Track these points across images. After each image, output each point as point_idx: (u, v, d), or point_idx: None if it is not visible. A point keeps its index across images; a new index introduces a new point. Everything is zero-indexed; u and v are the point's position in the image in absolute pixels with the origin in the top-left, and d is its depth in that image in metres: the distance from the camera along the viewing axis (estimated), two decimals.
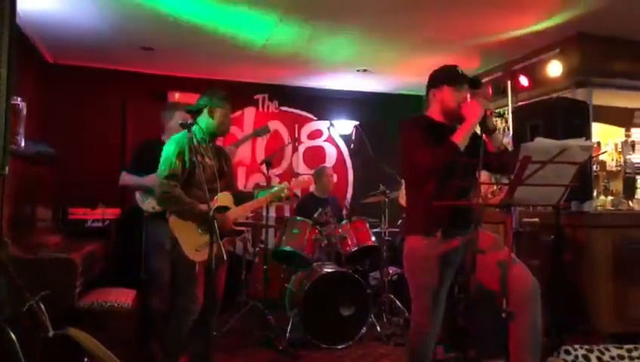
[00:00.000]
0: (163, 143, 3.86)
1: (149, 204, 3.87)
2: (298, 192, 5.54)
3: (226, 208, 3.17)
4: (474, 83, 2.76)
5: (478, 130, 2.70)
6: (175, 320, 3.06)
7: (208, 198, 2.76)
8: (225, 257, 2.71)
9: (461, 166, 2.51)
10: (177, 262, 3.02)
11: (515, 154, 2.16)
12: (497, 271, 2.48)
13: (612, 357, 1.52)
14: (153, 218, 3.82)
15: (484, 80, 5.35)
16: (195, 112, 3.23)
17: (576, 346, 1.50)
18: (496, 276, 2.49)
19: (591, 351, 1.52)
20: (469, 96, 2.73)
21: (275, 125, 6.40)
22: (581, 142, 2.18)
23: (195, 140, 3.06)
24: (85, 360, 2.31)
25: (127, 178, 3.99)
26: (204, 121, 3.18)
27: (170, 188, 2.98)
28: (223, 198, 3.17)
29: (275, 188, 3.41)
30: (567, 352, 1.50)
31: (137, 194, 3.96)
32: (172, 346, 3.07)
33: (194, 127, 3.06)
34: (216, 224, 2.67)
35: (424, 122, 2.74)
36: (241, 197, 3.35)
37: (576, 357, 1.50)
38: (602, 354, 1.53)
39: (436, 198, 2.57)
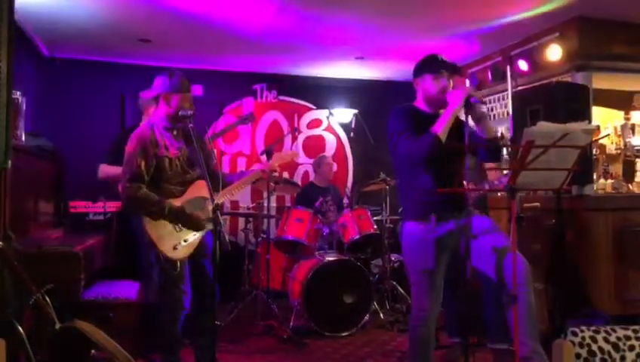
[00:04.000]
0: None
1: None
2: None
3: (201, 199, 3.00)
4: (452, 69, 2.80)
5: (463, 117, 2.72)
6: (164, 317, 3.01)
7: (212, 191, 2.70)
8: (229, 247, 2.68)
9: (446, 152, 2.56)
10: (158, 261, 2.94)
11: (517, 140, 2.17)
12: (493, 257, 2.52)
13: (618, 338, 1.54)
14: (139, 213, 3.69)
15: (483, 65, 5.34)
16: (153, 101, 3.07)
17: (583, 328, 1.52)
18: (492, 261, 2.53)
19: (597, 332, 1.53)
20: (451, 82, 2.76)
21: (274, 115, 6.39)
22: (583, 125, 2.18)
23: (157, 132, 2.94)
24: (92, 352, 2.32)
25: (106, 170, 3.84)
26: (162, 109, 2.97)
27: (133, 191, 2.82)
28: (197, 189, 3.01)
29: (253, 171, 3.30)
30: (574, 334, 1.51)
31: (120, 187, 3.83)
32: (167, 342, 3.06)
33: (154, 118, 2.98)
34: (219, 216, 2.62)
35: (411, 111, 2.79)
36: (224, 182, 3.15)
37: (583, 338, 1.51)
38: (609, 335, 1.54)
39: (425, 184, 2.65)
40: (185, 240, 2.91)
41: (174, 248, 2.88)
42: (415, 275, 2.75)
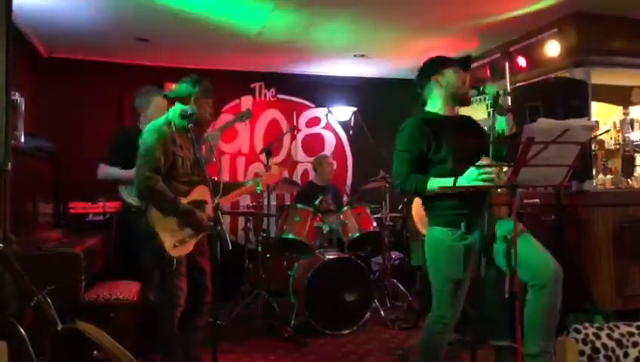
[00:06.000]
0: (142, 131, 3.81)
1: (135, 198, 3.68)
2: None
3: (202, 202, 3.06)
4: (464, 63, 2.78)
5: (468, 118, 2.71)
6: (162, 314, 3.01)
7: (212, 191, 2.73)
8: (230, 246, 2.69)
9: (469, 154, 2.54)
10: (157, 256, 2.96)
11: (518, 137, 2.17)
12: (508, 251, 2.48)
13: (622, 335, 1.54)
14: (140, 212, 3.68)
15: (481, 62, 5.34)
16: (176, 99, 3.06)
17: (586, 324, 1.52)
18: (508, 255, 2.49)
19: (601, 328, 1.53)
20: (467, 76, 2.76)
21: (272, 113, 6.38)
22: (583, 121, 2.18)
23: (175, 130, 2.96)
24: (95, 353, 2.32)
25: (106, 170, 3.80)
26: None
27: (152, 182, 2.84)
28: (201, 192, 3.05)
29: (250, 183, 3.37)
30: (577, 331, 1.51)
31: (122, 188, 3.80)
32: (164, 339, 3.05)
33: (171, 115, 2.99)
34: (221, 216, 2.65)
35: (423, 125, 2.69)
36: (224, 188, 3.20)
37: (587, 335, 1.51)
38: (612, 331, 1.55)
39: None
40: (185, 240, 2.95)
41: (174, 246, 2.91)
42: (441, 283, 2.66)
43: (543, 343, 2.36)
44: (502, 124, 2.50)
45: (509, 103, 2.62)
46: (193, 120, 2.93)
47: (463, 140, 2.63)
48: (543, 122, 2.08)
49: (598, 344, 1.51)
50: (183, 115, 2.89)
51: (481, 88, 2.63)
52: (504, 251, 2.45)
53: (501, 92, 2.51)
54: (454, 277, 2.60)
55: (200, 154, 2.97)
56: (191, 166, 3.05)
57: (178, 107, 3.00)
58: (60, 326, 2.22)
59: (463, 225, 2.57)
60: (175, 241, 2.91)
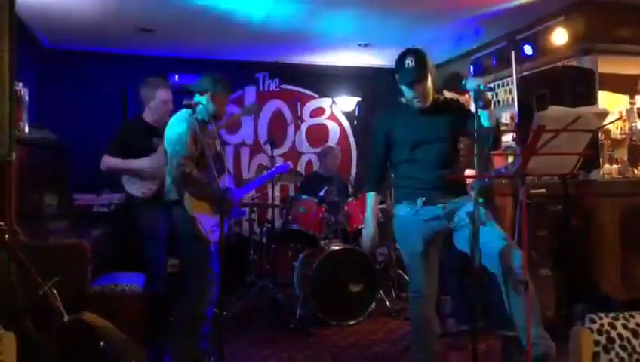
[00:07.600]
0: (146, 123, 3.79)
1: (138, 189, 3.67)
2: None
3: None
4: (411, 83, 2.73)
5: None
6: (193, 305, 3.02)
7: (217, 180, 2.75)
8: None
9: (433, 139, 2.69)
10: (194, 243, 2.96)
11: (524, 126, 2.16)
12: (491, 245, 2.52)
13: (638, 324, 1.52)
14: (143, 203, 3.65)
15: (487, 50, 5.30)
16: (193, 92, 3.13)
17: (601, 314, 1.50)
18: (490, 249, 2.52)
19: (616, 318, 1.52)
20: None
21: (276, 104, 6.35)
22: (595, 108, 2.16)
23: (199, 121, 3.00)
24: (101, 343, 2.32)
25: (109, 162, 3.72)
26: (204, 103, 3.10)
27: (188, 168, 2.90)
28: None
29: None
30: (592, 321, 1.50)
31: (124, 179, 3.74)
32: (190, 333, 3.04)
33: (199, 108, 3.01)
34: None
35: (395, 112, 2.91)
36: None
37: (602, 325, 1.50)
38: (627, 321, 1.53)
39: (412, 169, 2.73)
40: (218, 225, 2.98)
41: (211, 230, 2.97)
42: (406, 258, 2.84)
43: (534, 330, 2.41)
44: (483, 117, 2.50)
45: (489, 97, 2.59)
46: (205, 113, 3.01)
47: (424, 129, 2.71)
48: (555, 110, 2.06)
49: (613, 334, 1.49)
50: (187, 105, 2.90)
51: (462, 82, 2.64)
52: (493, 251, 2.51)
53: (481, 87, 2.50)
54: (415, 251, 2.73)
55: (213, 147, 3.08)
56: (213, 156, 3.06)
57: (198, 98, 3.08)
58: (66, 318, 2.22)
59: (419, 200, 2.69)
60: (211, 226, 2.98)
